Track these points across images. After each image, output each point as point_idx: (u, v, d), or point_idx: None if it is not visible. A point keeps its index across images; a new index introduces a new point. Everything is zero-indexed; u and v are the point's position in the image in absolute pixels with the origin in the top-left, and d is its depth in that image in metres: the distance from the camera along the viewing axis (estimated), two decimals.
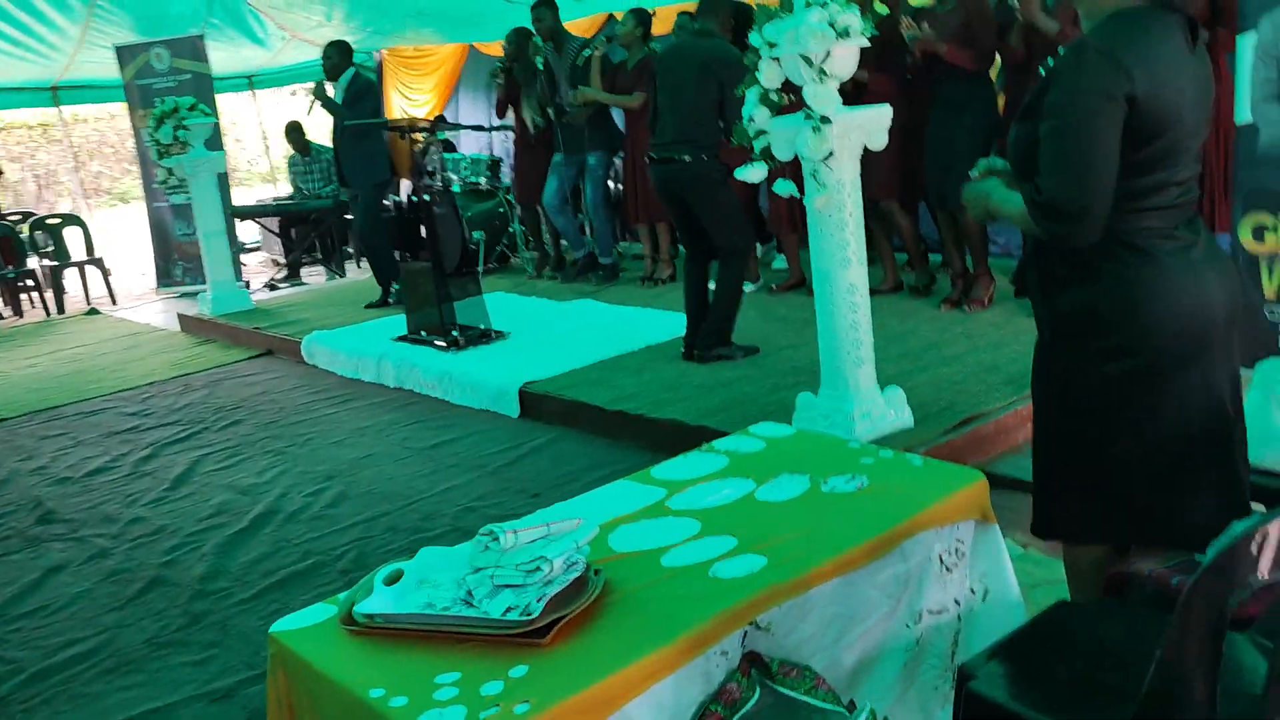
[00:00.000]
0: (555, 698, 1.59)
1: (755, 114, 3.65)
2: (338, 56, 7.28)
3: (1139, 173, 1.99)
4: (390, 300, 7.39)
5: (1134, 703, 1.67)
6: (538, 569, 1.82)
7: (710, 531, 2.09)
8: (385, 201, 7.91)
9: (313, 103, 7.33)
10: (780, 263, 7.03)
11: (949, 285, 5.65)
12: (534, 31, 7.26)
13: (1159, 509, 2.14)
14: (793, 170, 3.78)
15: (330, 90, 7.31)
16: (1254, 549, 1.45)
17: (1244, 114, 4.00)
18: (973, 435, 3.79)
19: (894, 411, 3.81)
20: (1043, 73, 2.10)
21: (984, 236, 5.31)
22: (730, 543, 2.03)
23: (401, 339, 6.16)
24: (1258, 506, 2.32)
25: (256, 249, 11.79)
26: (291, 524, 4.00)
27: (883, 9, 5.43)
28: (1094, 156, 1.96)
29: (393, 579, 1.94)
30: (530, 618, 1.74)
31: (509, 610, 1.78)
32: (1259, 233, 4.00)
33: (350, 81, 7.26)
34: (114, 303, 9.99)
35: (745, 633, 1.82)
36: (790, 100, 3.68)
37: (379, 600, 1.88)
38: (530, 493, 4.05)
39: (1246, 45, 3.98)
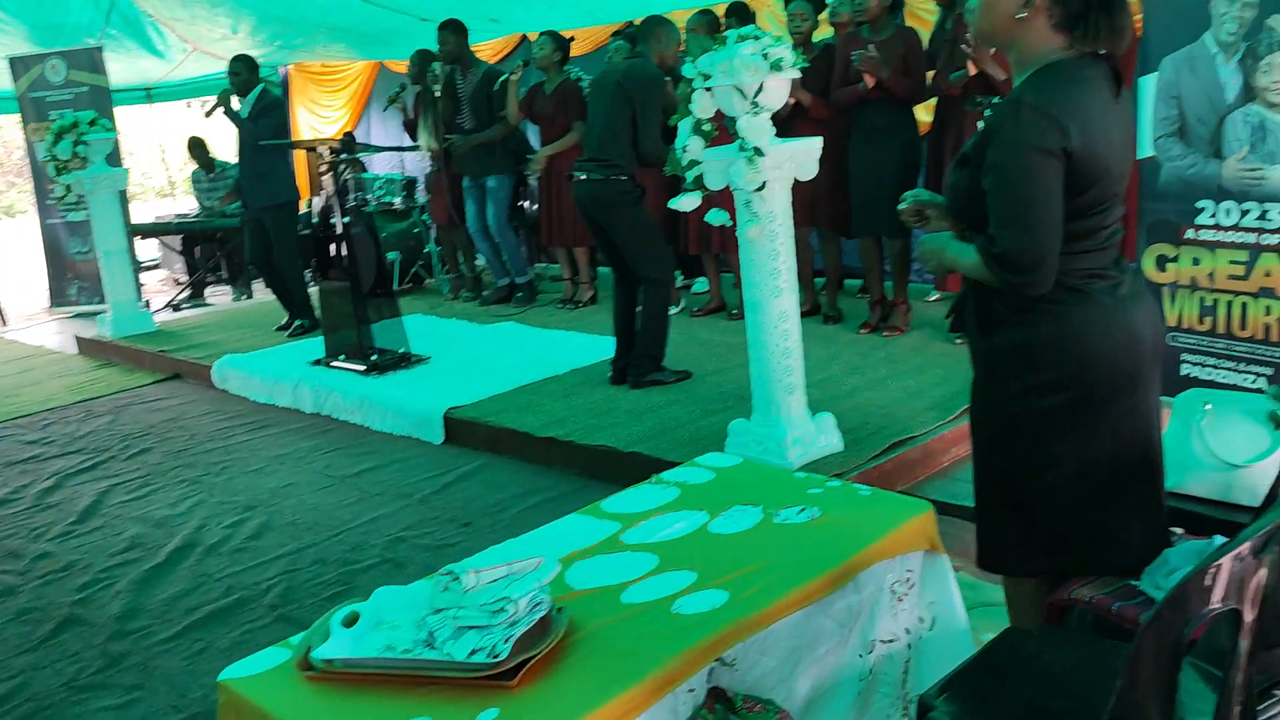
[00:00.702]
0: None
1: (689, 144, 3.69)
2: (247, 72, 7.07)
3: (1073, 219, 2.07)
4: (302, 326, 7.21)
5: None
6: (502, 609, 1.80)
7: (668, 566, 2.10)
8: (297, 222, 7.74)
9: (215, 106, 7.10)
10: (701, 286, 7.08)
11: (858, 317, 5.78)
12: (436, 54, 7.21)
13: (1093, 536, 2.22)
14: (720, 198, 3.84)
15: (236, 105, 7.12)
16: (1208, 581, 1.52)
17: (1145, 149, 4.20)
18: (900, 460, 3.88)
19: (824, 437, 3.88)
20: (979, 118, 2.17)
21: (905, 264, 5.43)
22: (690, 578, 2.04)
23: (318, 363, 6.03)
24: (1174, 530, 2.43)
25: (155, 267, 11.41)
26: (211, 557, 3.87)
27: (826, 35, 5.58)
28: (1041, 210, 2.03)
29: (350, 621, 1.89)
30: (498, 659, 1.72)
31: (474, 652, 1.75)
32: (1161, 262, 4.20)
33: (258, 97, 7.06)
34: (4, 323, 9.56)
35: (711, 669, 1.83)
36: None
37: (338, 644, 1.83)
38: (461, 521, 4.00)
39: (1149, 85, 4.19)
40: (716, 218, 3.79)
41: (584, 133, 5.09)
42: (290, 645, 1.92)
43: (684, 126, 3.70)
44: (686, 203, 3.77)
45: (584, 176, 4.92)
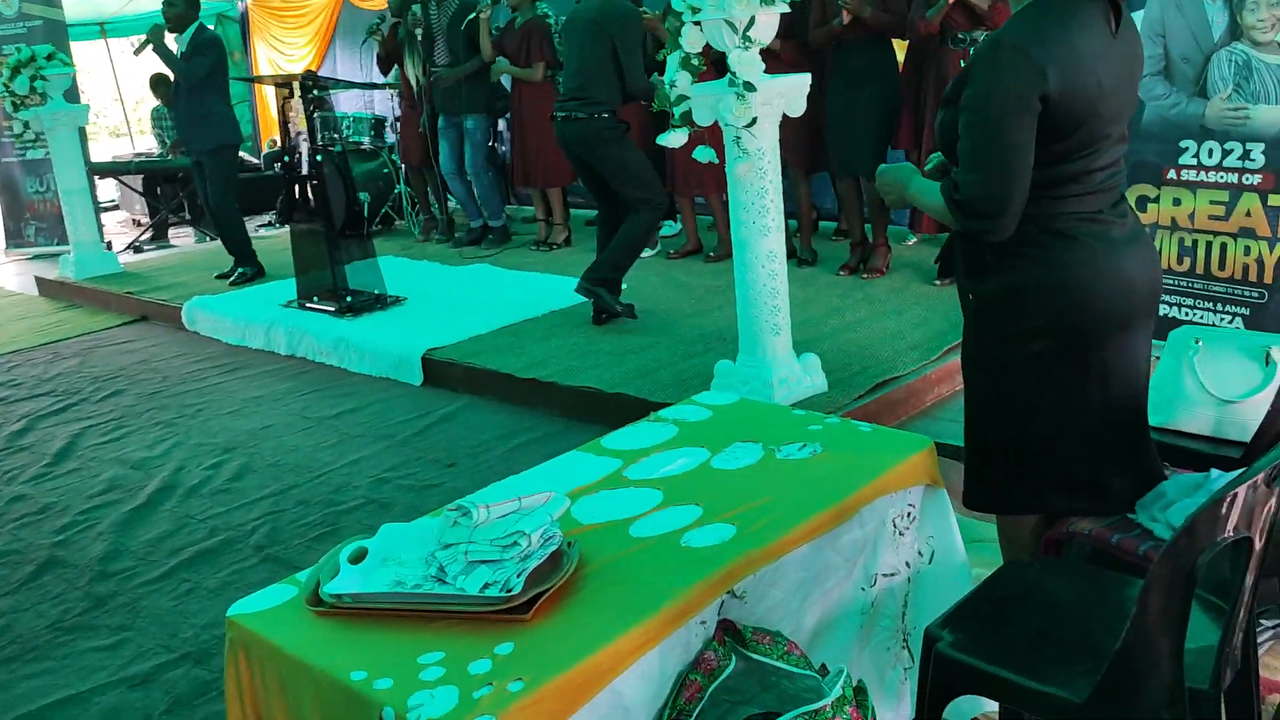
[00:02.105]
0: (547, 674, 1.57)
1: (676, 79, 3.63)
2: (184, 5, 6.64)
3: (1059, 162, 2.04)
4: (244, 274, 7.06)
5: (1090, 653, 1.76)
6: (515, 544, 1.79)
7: (673, 501, 2.09)
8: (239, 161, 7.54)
9: (145, 43, 6.76)
10: (670, 228, 7.03)
11: (834, 260, 5.77)
12: None
13: (1080, 481, 2.24)
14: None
15: (173, 44, 6.81)
16: (1224, 510, 1.53)
17: None
18: (884, 400, 3.89)
19: (810, 377, 3.88)
20: (962, 57, 2.14)
21: (884, 207, 5.41)
22: (696, 512, 2.03)
23: (290, 304, 5.94)
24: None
25: (114, 208, 11.16)
26: (193, 499, 3.83)
27: None
28: (1008, 157, 2.00)
29: (357, 557, 1.87)
30: (511, 593, 1.71)
31: (487, 586, 1.74)
32: (1142, 203, 4.22)
33: (194, 34, 6.67)
34: None
35: (722, 601, 1.84)
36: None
37: (347, 579, 1.81)
38: (445, 462, 3.98)
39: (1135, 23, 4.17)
40: (704, 154, 3.74)
41: (565, 71, 5.00)
42: (296, 582, 1.90)
43: (672, 61, 3.64)
44: (674, 139, 3.72)
45: (567, 115, 4.85)
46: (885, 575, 2.20)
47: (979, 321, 2.24)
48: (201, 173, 6.96)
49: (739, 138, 3.54)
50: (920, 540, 2.29)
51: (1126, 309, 2.13)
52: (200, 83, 6.62)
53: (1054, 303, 2.10)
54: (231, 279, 7.01)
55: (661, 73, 3.75)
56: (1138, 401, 2.24)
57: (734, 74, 3.44)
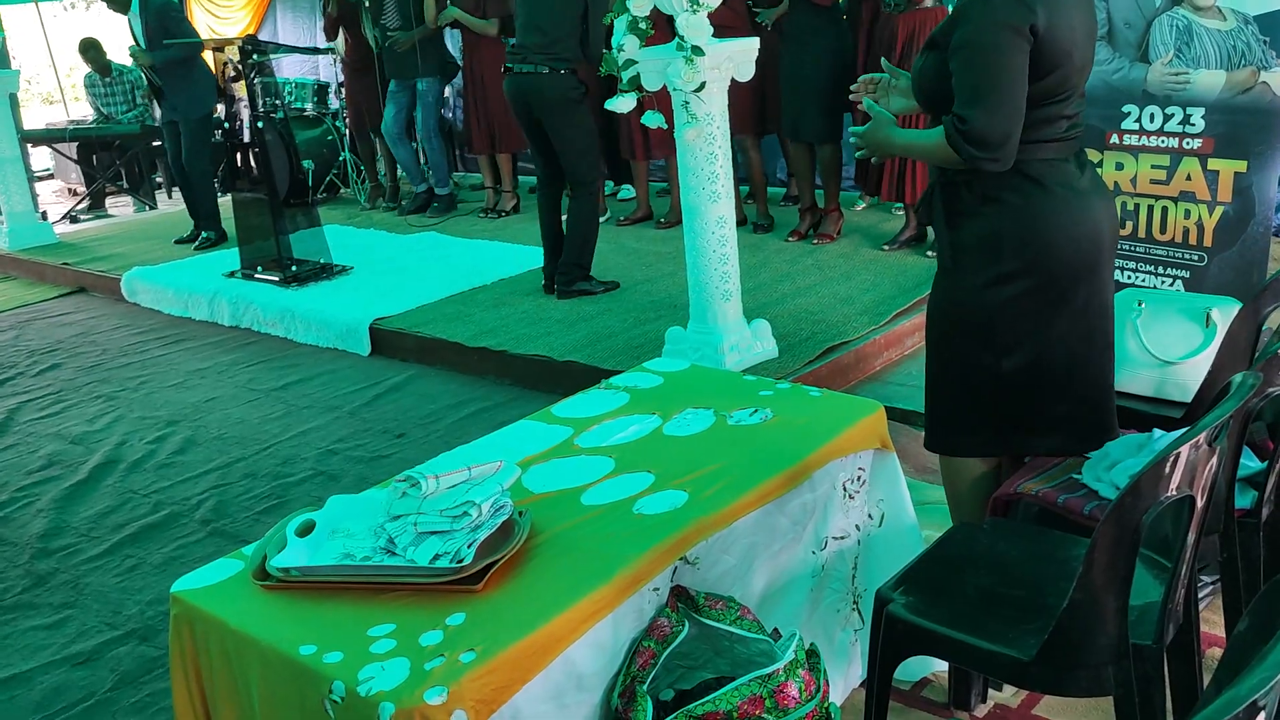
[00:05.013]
0: (500, 644, 1.56)
1: (624, 43, 3.59)
2: None
3: (1033, 105, 2.12)
4: (208, 239, 6.95)
5: (1037, 612, 1.79)
6: (465, 514, 1.77)
7: (625, 469, 2.08)
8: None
9: (146, 69, 6.76)
10: (626, 193, 6.99)
11: (784, 226, 5.77)
12: None
13: (1046, 418, 2.30)
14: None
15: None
16: (1167, 469, 1.56)
17: None
18: (835, 364, 3.91)
19: (760, 343, 3.89)
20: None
21: (837, 171, 5.40)
22: (648, 479, 2.03)
23: (234, 275, 5.83)
24: None
25: (49, 177, 10.85)
26: (136, 474, 3.75)
27: None
28: (1009, 86, 2.08)
29: (305, 530, 1.85)
30: (462, 564, 1.70)
31: (437, 557, 1.72)
32: None
33: (141, 5, 6.48)
34: None
35: (675, 568, 1.84)
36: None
37: (294, 553, 1.78)
38: (394, 433, 3.94)
39: None
40: (653, 120, 3.71)
41: (523, 24, 4.85)
42: (243, 556, 1.87)
43: (619, 25, 3.59)
44: (622, 104, 3.68)
45: (530, 69, 4.72)
46: (835, 539, 2.21)
47: (957, 267, 2.29)
48: (176, 135, 6.89)
49: (687, 103, 3.51)
50: (870, 503, 2.31)
51: (1094, 252, 2.22)
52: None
53: (1029, 247, 2.18)
54: (196, 242, 6.92)
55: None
56: (1104, 343, 2.31)
57: (682, 38, 3.41)
